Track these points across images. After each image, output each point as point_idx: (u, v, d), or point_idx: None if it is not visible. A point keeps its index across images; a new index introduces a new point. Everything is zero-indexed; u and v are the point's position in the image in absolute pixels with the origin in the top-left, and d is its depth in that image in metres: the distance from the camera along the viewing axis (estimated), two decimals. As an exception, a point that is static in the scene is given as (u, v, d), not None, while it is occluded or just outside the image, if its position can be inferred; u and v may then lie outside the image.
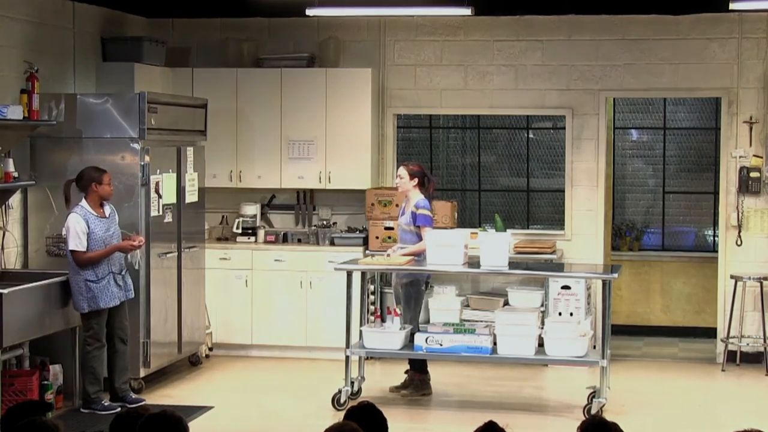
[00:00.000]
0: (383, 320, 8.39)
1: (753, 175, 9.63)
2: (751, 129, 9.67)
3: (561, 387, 9.04)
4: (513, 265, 8.45)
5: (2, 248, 8.23)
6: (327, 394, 8.12)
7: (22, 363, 7.65)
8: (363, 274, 8.65)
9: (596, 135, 9.98)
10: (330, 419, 6.82)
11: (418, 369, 8.51)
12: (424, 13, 9.83)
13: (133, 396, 8.18)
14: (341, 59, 10.15)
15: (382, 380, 8.85)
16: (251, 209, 10.14)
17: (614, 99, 10.83)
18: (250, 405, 8.36)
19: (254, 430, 7.78)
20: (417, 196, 8.39)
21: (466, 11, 8.90)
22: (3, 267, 8.21)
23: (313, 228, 10.19)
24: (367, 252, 9.67)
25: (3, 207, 8.20)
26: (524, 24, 10.00)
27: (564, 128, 10.17)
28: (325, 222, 10.16)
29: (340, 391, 8.10)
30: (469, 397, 8.74)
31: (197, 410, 7.96)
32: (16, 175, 7.96)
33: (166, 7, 10.06)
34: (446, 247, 8.14)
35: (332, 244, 9.94)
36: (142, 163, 8.40)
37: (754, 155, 9.67)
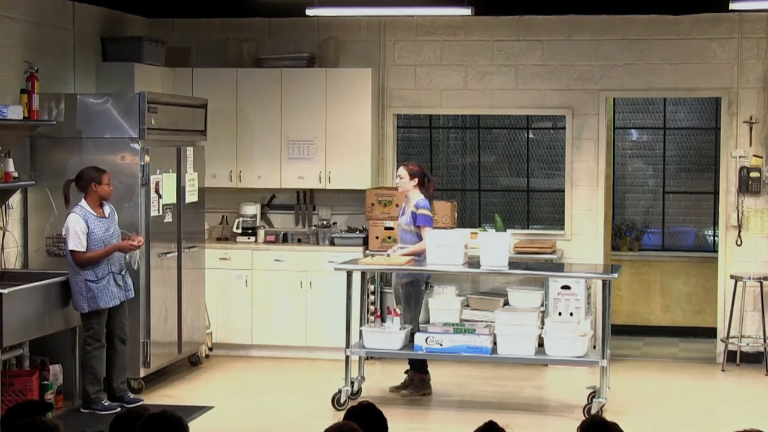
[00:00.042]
0: (383, 320, 8.39)
1: (753, 175, 9.63)
2: (751, 129, 9.67)
3: (561, 387, 9.04)
4: (513, 265, 8.45)
5: (2, 248, 8.23)
6: (327, 394, 8.12)
7: (22, 363, 7.64)
8: (363, 274, 8.65)
9: (596, 135, 9.98)
10: (330, 419, 6.82)
11: (418, 369, 8.51)
12: (424, 13, 9.83)
13: (131, 396, 8.17)
14: (341, 59, 10.15)
15: (382, 380, 8.85)
16: (251, 209, 10.14)
17: (614, 99, 10.83)
18: (250, 405, 8.36)
19: (254, 430, 7.78)
20: (417, 196, 8.39)
21: (466, 11, 8.90)
22: (3, 267, 8.21)
23: (313, 228, 10.19)
24: (367, 252, 9.67)
25: (3, 207, 8.20)
26: (524, 24, 10.00)
27: (564, 128, 10.17)
28: (325, 222, 10.16)
29: (340, 391, 8.10)
30: (469, 397, 8.74)
31: (197, 410, 7.96)
32: (16, 175, 7.96)
33: (166, 7, 10.06)
34: (446, 247, 8.14)
35: (332, 244, 9.94)
36: (142, 163, 8.40)
37: (754, 155, 9.67)
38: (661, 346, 10.71)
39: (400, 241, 8.59)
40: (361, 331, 8.32)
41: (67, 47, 9.09)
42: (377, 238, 9.78)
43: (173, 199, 8.87)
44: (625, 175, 11.78)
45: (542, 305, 9.42)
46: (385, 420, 4.50)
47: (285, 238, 10.15)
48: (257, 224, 10.15)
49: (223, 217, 10.34)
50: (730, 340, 9.60)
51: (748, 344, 9.65)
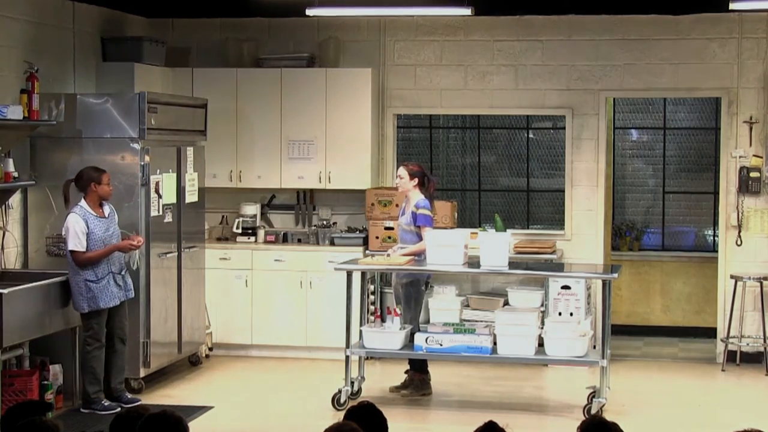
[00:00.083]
0: (383, 320, 8.39)
1: (753, 175, 9.63)
2: (751, 129, 9.67)
3: (561, 387, 9.04)
4: (513, 265, 8.45)
5: (2, 248, 8.23)
6: (327, 394, 8.12)
7: (22, 363, 7.64)
8: (363, 274, 8.65)
9: (596, 135, 9.98)
10: (330, 419, 6.81)
11: (418, 369, 8.51)
12: (424, 13, 9.83)
13: (129, 396, 8.17)
14: (341, 59, 10.15)
15: (382, 380, 8.85)
16: (251, 209, 10.14)
17: (614, 99, 10.83)
18: (250, 405, 8.36)
19: (254, 430, 7.78)
20: (417, 196, 8.39)
21: (466, 11, 8.89)
22: (3, 267, 8.21)
23: (313, 228, 10.19)
24: (367, 252, 9.67)
25: (3, 207, 8.20)
26: (524, 24, 10.00)
27: (564, 128, 10.17)
28: (325, 222, 10.16)
29: (340, 391, 8.10)
30: (469, 397, 8.74)
31: (197, 410, 7.96)
32: (16, 175, 7.96)
33: (166, 7, 10.06)
34: (446, 247, 8.14)
35: (332, 244, 9.94)
36: (142, 163, 8.40)
37: (754, 155, 9.67)
38: (661, 346, 10.71)
39: (400, 241, 8.59)
40: (361, 331, 8.32)
41: (67, 47, 9.09)
42: (377, 238, 9.78)
43: (173, 199, 8.87)
44: (625, 175, 11.78)
45: (542, 305, 9.42)
46: (385, 420, 4.50)
47: (285, 238, 10.15)
48: (257, 224, 10.15)
49: (223, 217, 10.34)
50: (730, 340, 9.60)
51: (748, 344, 9.65)
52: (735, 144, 9.75)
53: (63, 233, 7.93)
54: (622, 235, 11.56)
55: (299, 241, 10.14)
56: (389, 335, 8.20)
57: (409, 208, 8.42)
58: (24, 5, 8.51)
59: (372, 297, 9.74)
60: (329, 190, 10.07)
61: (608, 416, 4.78)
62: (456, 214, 9.91)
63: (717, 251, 10.07)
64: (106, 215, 8.00)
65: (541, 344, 8.08)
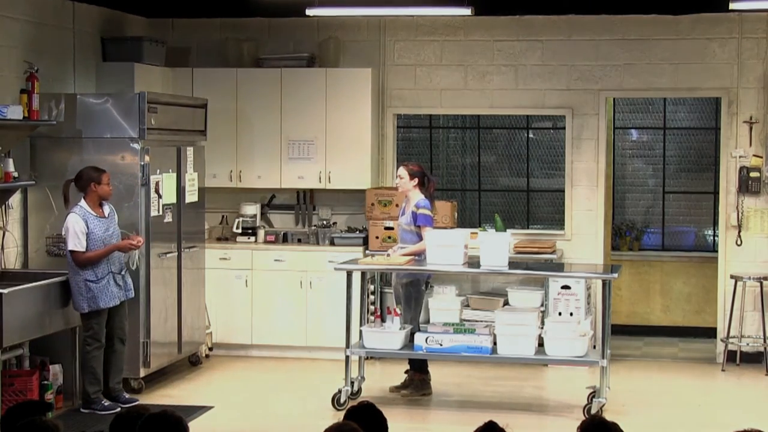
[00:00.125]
0: (383, 320, 8.39)
1: (753, 175, 9.64)
2: (751, 129, 9.67)
3: (561, 387, 9.04)
4: (513, 265, 8.45)
5: (2, 248, 8.23)
6: (327, 394, 8.12)
7: (22, 363, 7.64)
8: (363, 274, 8.65)
9: (596, 135, 9.98)
10: (330, 419, 6.82)
11: (418, 369, 8.51)
12: (424, 13, 9.82)
13: (126, 396, 8.16)
14: (341, 59, 10.15)
15: (382, 380, 8.85)
16: (251, 209, 10.14)
17: (614, 99, 10.83)
18: (250, 405, 8.36)
19: (254, 430, 7.78)
20: (417, 196, 8.39)
21: (466, 11, 8.90)
22: (3, 267, 8.21)
23: (313, 228, 10.19)
24: (367, 252, 9.67)
25: (3, 207, 8.20)
26: (524, 24, 10.00)
27: (564, 128, 10.17)
28: (325, 222, 10.16)
29: (340, 391, 8.10)
30: (469, 397, 8.74)
31: (197, 410, 7.96)
32: (16, 175, 7.96)
33: (166, 7, 10.06)
34: (446, 247, 8.14)
35: (332, 244, 9.94)
36: (142, 163, 8.40)
37: (754, 155, 9.67)
38: (661, 346, 10.71)
39: (401, 241, 8.59)
40: (361, 331, 8.32)
41: (67, 47, 9.09)
42: (377, 238, 9.78)
43: (173, 199, 8.87)
44: (625, 175, 11.78)
45: (542, 305, 9.42)
46: (385, 420, 4.50)
47: (285, 238, 10.15)
48: (257, 224, 10.15)
49: (223, 217, 10.34)
50: (730, 340, 9.60)
51: (748, 344, 9.65)
52: (735, 144, 9.75)
53: (63, 233, 7.93)
54: (622, 235, 11.56)
55: (299, 241, 10.14)
56: (389, 335, 8.20)
57: (409, 208, 8.42)
58: (24, 5, 8.51)
59: (372, 297, 9.74)
60: (329, 190, 10.07)
61: (608, 416, 4.78)
62: (456, 214, 9.91)
63: (717, 251, 10.07)
64: (106, 215, 8.00)
65: (541, 344, 8.08)
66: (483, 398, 8.66)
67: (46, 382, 7.80)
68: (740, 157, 9.71)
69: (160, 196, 8.62)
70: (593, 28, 9.90)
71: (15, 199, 8.37)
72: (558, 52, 9.96)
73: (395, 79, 10.21)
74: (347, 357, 8.16)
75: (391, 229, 9.61)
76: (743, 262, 9.72)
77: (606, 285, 8.01)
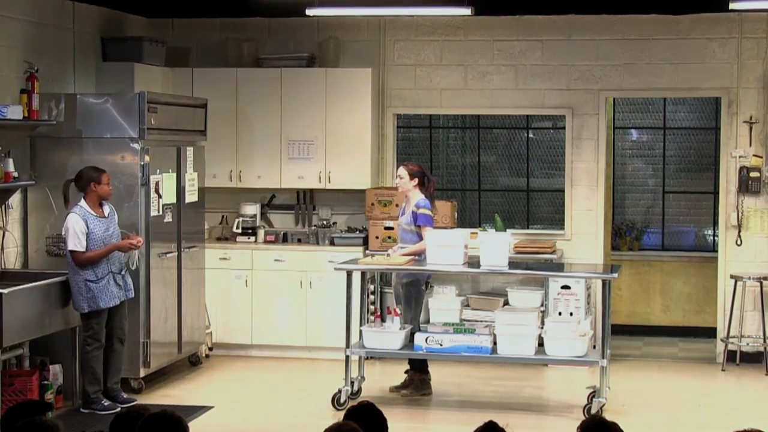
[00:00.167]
0: (383, 320, 8.39)
1: (753, 175, 9.64)
2: (751, 129, 9.67)
3: (561, 387, 9.04)
4: (513, 265, 8.45)
5: (2, 248, 8.23)
6: (327, 394, 8.12)
7: (22, 363, 7.65)
8: (363, 274, 8.65)
9: (596, 135, 9.98)
10: (330, 419, 6.82)
11: (418, 369, 8.51)
12: (424, 13, 9.83)
13: (124, 396, 8.16)
14: (341, 59, 10.15)
15: (382, 380, 8.85)
16: (251, 209, 10.14)
17: (614, 99, 10.83)
18: (250, 405, 8.36)
19: (254, 430, 7.78)
20: (417, 196, 8.39)
21: (466, 11, 8.90)
22: (3, 267, 8.21)
23: (313, 228, 10.19)
24: (367, 252, 9.67)
25: (3, 207, 8.20)
26: (524, 24, 10.00)
27: (564, 128, 10.17)
28: (325, 222, 10.16)
29: (340, 391, 8.10)
30: (469, 397, 8.74)
31: (197, 410, 7.96)
32: (16, 175, 7.96)
33: (166, 7, 10.06)
34: (446, 247, 8.14)
35: (332, 244, 9.94)
36: (142, 163, 8.40)
37: (754, 155, 9.67)
38: (661, 346, 10.71)
39: (401, 241, 8.59)
40: (361, 331, 8.32)
41: (67, 47, 9.09)
42: (377, 238, 9.78)
43: (173, 199, 8.87)
44: (625, 175, 11.78)
45: (542, 305, 9.42)
46: (385, 420, 4.50)
47: (285, 238, 10.15)
48: (257, 224, 10.15)
49: (223, 217, 10.35)
50: (730, 340, 9.60)
51: (748, 344, 9.65)
52: (735, 144, 9.75)
53: (63, 233, 7.93)
54: (622, 235, 11.56)
55: (299, 241, 10.14)
56: (389, 335, 8.20)
57: (409, 208, 8.42)
58: (24, 5, 8.51)
59: (372, 297, 9.74)
60: (329, 190, 10.07)
61: (608, 416, 4.78)
62: (456, 214, 9.91)
63: (717, 251, 10.07)
64: (106, 215, 8.00)
65: (541, 344, 8.08)
66: (483, 398, 8.66)
67: (46, 382, 7.81)
68: (740, 157, 9.71)
69: (160, 196, 8.62)
70: (593, 28, 9.90)
71: (15, 199, 8.37)
72: (558, 52, 9.96)
73: (395, 79, 10.21)
74: (347, 357, 8.16)
75: (391, 229, 9.61)
76: (743, 262, 9.72)
77: (606, 285, 8.01)
